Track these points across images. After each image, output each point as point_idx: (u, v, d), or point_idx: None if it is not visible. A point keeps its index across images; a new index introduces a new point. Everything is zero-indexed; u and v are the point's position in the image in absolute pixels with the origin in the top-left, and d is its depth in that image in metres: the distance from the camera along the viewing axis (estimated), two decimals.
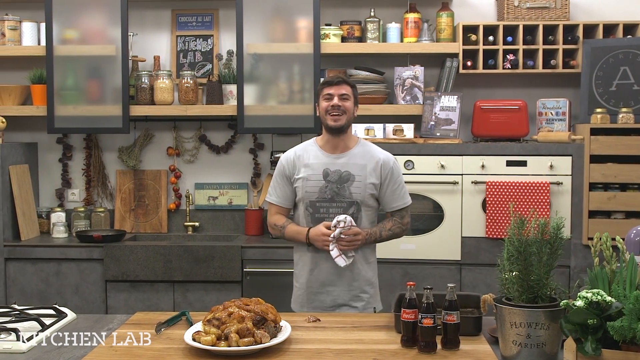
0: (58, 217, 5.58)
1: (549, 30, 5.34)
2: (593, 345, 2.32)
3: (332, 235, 3.59)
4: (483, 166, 4.99)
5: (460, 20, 5.42)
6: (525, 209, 4.85)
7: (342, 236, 3.59)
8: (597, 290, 2.37)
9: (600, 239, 2.58)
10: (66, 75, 5.46)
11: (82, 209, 5.68)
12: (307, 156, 3.78)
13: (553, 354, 2.54)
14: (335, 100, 3.68)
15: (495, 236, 4.92)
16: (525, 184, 4.91)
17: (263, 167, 5.76)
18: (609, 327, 2.29)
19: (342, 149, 3.77)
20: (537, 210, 4.85)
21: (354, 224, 3.62)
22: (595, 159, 4.96)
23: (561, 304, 2.44)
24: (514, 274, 2.61)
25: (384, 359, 2.67)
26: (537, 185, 4.90)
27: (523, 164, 4.97)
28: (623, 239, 2.63)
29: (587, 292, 2.37)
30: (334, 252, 3.62)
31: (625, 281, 2.44)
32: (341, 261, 3.62)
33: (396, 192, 3.77)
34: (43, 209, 5.74)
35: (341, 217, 3.60)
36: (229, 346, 2.65)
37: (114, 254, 5.13)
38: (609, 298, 2.35)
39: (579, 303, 2.35)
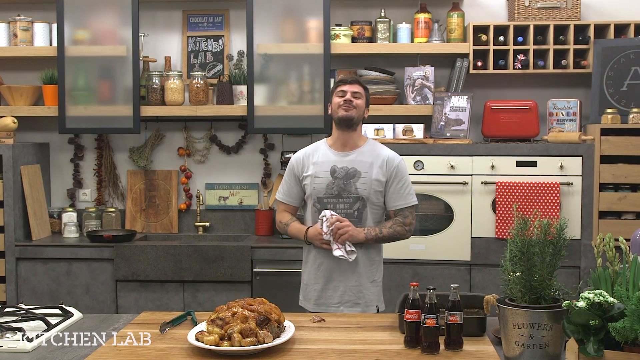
0: (69, 217, 5.60)
1: (560, 30, 5.31)
2: (595, 346, 2.30)
3: (324, 234, 3.70)
4: (493, 166, 4.97)
5: (471, 21, 5.41)
6: (535, 210, 4.83)
7: (331, 228, 3.68)
8: (599, 291, 2.36)
9: (604, 239, 2.57)
10: (77, 75, 5.50)
11: (93, 209, 5.71)
12: (316, 155, 3.89)
13: (556, 354, 2.52)
14: (348, 96, 3.79)
15: (505, 237, 4.90)
16: (535, 185, 4.89)
17: (273, 167, 5.77)
18: (611, 328, 2.27)
19: (350, 147, 3.86)
20: (547, 210, 4.83)
21: (334, 214, 3.71)
22: (606, 159, 4.94)
23: (563, 304, 2.43)
24: (517, 274, 2.60)
25: (387, 359, 2.67)
26: (547, 185, 4.87)
27: (533, 164, 4.95)
28: (627, 240, 2.61)
29: (589, 293, 2.35)
30: (333, 246, 3.70)
31: (628, 282, 2.43)
32: (338, 252, 3.68)
33: (400, 190, 3.83)
34: (54, 209, 5.77)
35: (321, 214, 3.73)
36: (232, 346, 2.66)
37: (124, 253, 5.15)
38: (611, 299, 2.34)
39: (581, 304, 2.34)
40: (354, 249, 3.71)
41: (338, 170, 3.80)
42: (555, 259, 2.59)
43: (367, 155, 3.83)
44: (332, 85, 5.24)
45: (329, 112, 3.92)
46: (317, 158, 3.87)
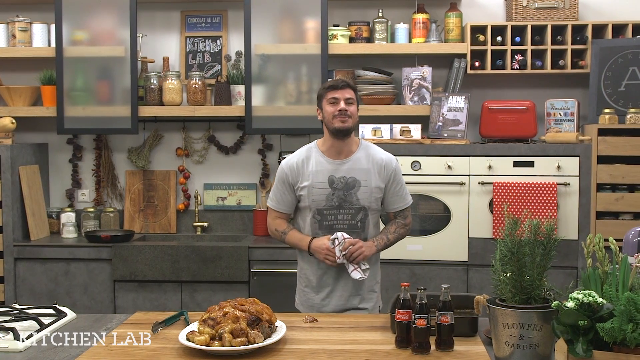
0: (68, 217, 5.61)
1: (558, 30, 5.31)
2: (584, 346, 2.30)
3: (337, 257, 3.59)
4: (490, 167, 4.97)
5: (469, 21, 5.41)
6: (533, 210, 4.83)
7: (344, 253, 3.58)
8: (588, 291, 2.36)
9: (594, 239, 2.57)
10: (76, 76, 5.51)
11: (92, 209, 5.72)
12: (310, 163, 3.73)
13: (546, 355, 2.52)
14: (342, 105, 3.62)
15: (502, 237, 4.89)
16: (533, 185, 4.89)
17: (271, 167, 5.77)
18: (599, 329, 2.27)
19: (345, 153, 3.72)
20: (545, 211, 4.83)
21: (346, 236, 3.60)
22: (603, 159, 4.94)
23: (552, 305, 2.43)
24: (507, 275, 2.60)
25: (377, 359, 2.67)
26: (545, 186, 4.87)
27: (530, 164, 4.95)
28: (617, 240, 2.61)
29: (578, 294, 2.36)
30: (349, 268, 3.61)
31: (618, 282, 2.43)
32: (357, 274, 3.60)
33: (399, 192, 3.78)
34: (53, 209, 5.78)
35: (332, 236, 3.61)
36: (222, 346, 2.66)
37: (122, 254, 5.16)
38: (600, 299, 2.34)
39: (570, 304, 2.34)
40: (368, 266, 3.65)
41: (336, 181, 3.67)
42: (546, 259, 2.59)
43: (363, 162, 3.71)
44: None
45: (319, 117, 3.76)
46: (312, 167, 3.71)
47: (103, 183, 5.89)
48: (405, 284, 2.82)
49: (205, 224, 5.78)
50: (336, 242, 3.59)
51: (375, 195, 3.70)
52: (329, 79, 3.82)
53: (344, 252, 3.57)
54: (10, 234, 5.28)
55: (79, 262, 5.26)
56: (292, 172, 3.75)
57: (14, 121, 5.41)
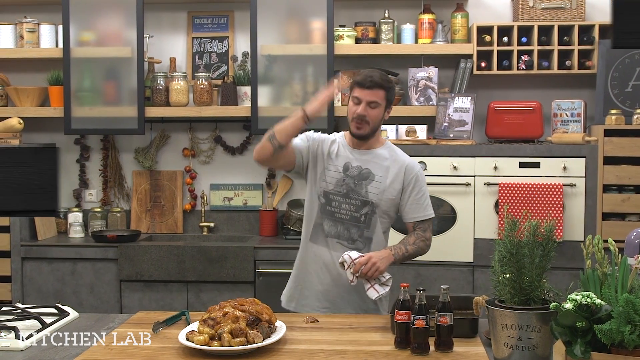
0: (75, 217, 5.62)
1: (564, 30, 5.29)
2: (582, 348, 2.30)
3: (350, 281, 3.35)
4: (496, 168, 4.96)
5: (475, 21, 5.39)
6: (538, 211, 4.82)
7: (357, 275, 3.34)
8: (586, 292, 2.35)
9: (593, 240, 2.56)
10: (83, 76, 5.52)
11: (99, 209, 5.74)
12: (334, 146, 3.61)
13: (545, 356, 2.52)
14: (361, 109, 3.46)
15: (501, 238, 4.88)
16: (539, 186, 4.87)
17: None
18: (597, 330, 2.27)
19: (367, 147, 3.60)
20: (550, 212, 4.81)
21: (355, 256, 3.35)
22: (609, 160, 4.91)
23: (550, 306, 2.42)
24: (506, 276, 2.60)
25: None
26: (550, 187, 4.85)
27: (536, 165, 4.93)
28: (617, 242, 2.60)
29: (576, 295, 2.35)
30: (365, 286, 3.36)
31: (617, 284, 2.42)
32: (373, 293, 3.34)
33: (419, 201, 3.58)
34: (61, 209, 5.79)
35: (340, 259, 3.38)
36: (222, 346, 2.66)
37: (129, 254, 5.18)
38: (598, 301, 2.33)
39: (568, 305, 2.33)
40: (389, 276, 3.40)
41: (351, 169, 3.56)
42: (545, 260, 2.58)
43: (385, 159, 3.58)
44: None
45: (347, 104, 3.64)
46: (334, 149, 3.59)
47: (110, 183, 5.91)
48: (405, 284, 2.81)
49: (212, 224, 5.79)
50: (345, 265, 3.35)
51: (387, 194, 3.55)
52: (364, 70, 3.58)
53: (356, 275, 3.32)
54: (17, 233, 5.30)
55: (86, 261, 5.28)
56: (322, 142, 3.63)
57: (21, 121, 5.43)
